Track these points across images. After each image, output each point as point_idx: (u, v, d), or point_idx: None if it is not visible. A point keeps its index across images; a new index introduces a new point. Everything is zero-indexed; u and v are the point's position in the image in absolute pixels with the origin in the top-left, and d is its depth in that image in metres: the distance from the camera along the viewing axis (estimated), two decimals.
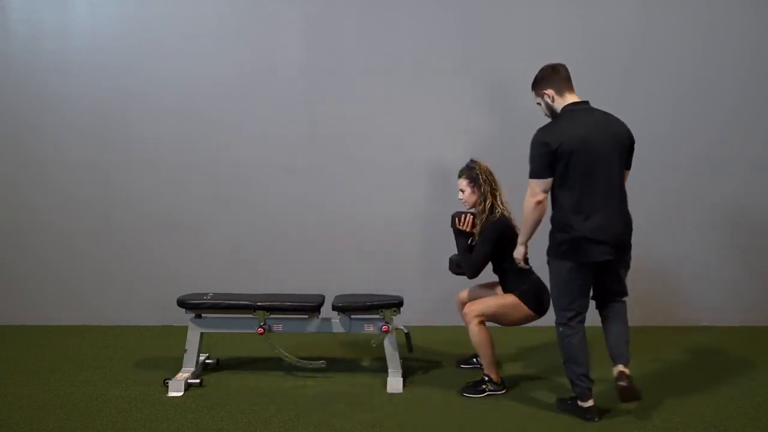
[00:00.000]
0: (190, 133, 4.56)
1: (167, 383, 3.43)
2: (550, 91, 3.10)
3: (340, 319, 3.63)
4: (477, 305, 3.38)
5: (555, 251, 3.09)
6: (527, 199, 3.10)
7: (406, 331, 3.64)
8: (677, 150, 4.57)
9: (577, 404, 3.12)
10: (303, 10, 4.50)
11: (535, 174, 3.06)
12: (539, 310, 3.43)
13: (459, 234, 3.50)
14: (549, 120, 3.19)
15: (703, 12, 4.48)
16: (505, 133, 4.53)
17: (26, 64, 4.53)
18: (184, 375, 3.51)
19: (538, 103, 3.19)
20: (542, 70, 3.16)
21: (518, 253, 3.28)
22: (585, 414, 3.09)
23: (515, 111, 4.53)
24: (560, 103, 3.10)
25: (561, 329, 3.11)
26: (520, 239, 3.25)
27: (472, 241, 3.49)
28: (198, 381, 3.50)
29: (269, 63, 4.52)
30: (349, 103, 4.54)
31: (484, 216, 3.43)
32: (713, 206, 4.58)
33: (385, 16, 4.49)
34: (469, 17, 4.47)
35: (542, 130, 3.09)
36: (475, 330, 3.34)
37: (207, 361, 3.81)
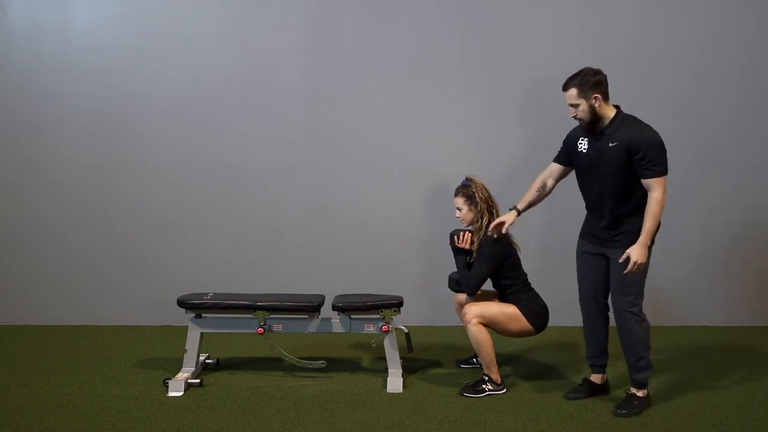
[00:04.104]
0: (190, 133, 4.56)
1: (167, 383, 3.43)
2: (599, 96, 3.11)
3: (340, 319, 3.63)
4: (477, 307, 3.38)
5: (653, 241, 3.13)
6: (662, 197, 3.09)
7: (406, 331, 3.64)
8: (677, 150, 4.51)
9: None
10: (303, 10, 4.50)
11: (666, 171, 3.13)
12: (538, 326, 3.44)
13: (458, 252, 3.50)
14: (576, 122, 3.23)
15: (703, 12, 4.47)
16: (506, 132, 4.53)
17: (26, 64, 4.52)
18: (184, 375, 3.51)
19: (574, 105, 3.13)
20: (595, 73, 3.12)
21: (642, 257, 3.05)
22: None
23: (515, 110, 4.53)
24: (605, 107, 3.15)
25: (642, 314, 3.20)
26: (649, 241, 3.09)
27: (470, 259, 3.49)
28: (198, 381, 3.50)
29: (269, 64, 4.52)
30: (349, 104, 4.54)
31: (482, 233, 3.44)
32: (713, 206, 4.58)
33: (385, 16, 4.49)
34: (469, 17, 4.47)
35: (654, 131, 3.15)
36: (474, 330, 3.34)
37: (207, 361, 3.81)
